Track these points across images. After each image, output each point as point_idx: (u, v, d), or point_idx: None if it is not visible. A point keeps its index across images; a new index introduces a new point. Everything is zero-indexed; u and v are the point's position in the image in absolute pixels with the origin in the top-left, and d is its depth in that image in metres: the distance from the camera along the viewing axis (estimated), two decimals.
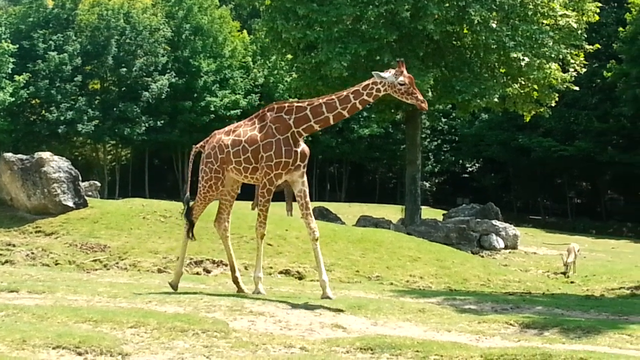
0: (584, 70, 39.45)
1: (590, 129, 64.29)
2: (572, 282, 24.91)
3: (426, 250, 23.60)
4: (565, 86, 37.17)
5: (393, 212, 46.21)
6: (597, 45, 41.10)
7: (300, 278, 18.64)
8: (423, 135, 66.55)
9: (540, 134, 66.99)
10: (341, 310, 12.08)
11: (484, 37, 33.31)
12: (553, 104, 38.53)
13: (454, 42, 36.25)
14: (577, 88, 39.12)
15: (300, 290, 15.52)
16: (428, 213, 46.90)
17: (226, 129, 14.46)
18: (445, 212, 48.12)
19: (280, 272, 19.14)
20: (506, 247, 34.78)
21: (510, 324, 11.67)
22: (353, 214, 44.50)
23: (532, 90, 36.66)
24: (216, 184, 14.07)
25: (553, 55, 35.08)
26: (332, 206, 44.33)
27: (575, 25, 35.70)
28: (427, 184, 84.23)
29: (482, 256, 31.65)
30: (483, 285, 21.07)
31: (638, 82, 58.60)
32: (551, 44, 34.51)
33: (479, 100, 34.63)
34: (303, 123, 13.33)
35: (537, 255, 34.30)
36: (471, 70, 35.43)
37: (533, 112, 39.25)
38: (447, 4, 33.10)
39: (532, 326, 11.53)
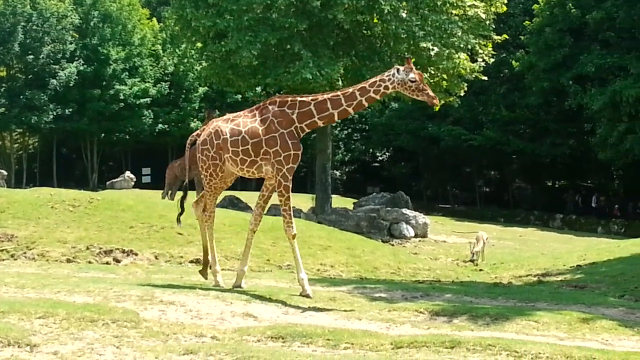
0: (492, 60, 40.02)
1: (498, 119, 65.21)
2: (480, 270, 25.23)
3: (337, 239, 23.64)
4: (474, 76, 37.58)
5: (304, 201, 46.27)
6: (505, 36, 41.66)
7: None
8: (333, 125, 66.67)
9: (449, 123, 67.64)
10: (252, 299, 12.08)
11: (394, 27, 33.48)
12: (462, 94, 38.94)
13: (365, 32, 36.38)
14: (485, 78, 39.63)
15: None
16: (339, 202, 47.06)
17: (224, 117, 14.14)
18: (355, 200, 48.38)
19: (191, 262, 18.93)
20: (416, 236, 35.12)
21: (420, 312, 11.75)
22: None
23: (441, 80, 36.95)
24: (215, 171, 13.69)
25: (462, 45, 35.48)
26: (243, 195, 44.09)
27: (483, 16, 36.14)
28: (338, 173, 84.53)
29: (393, 245, 31.89)
30: (393, 273, 21.20)
31: (545, 73, 59.58)
32: (460, 34, 34.87)
33: None
34: (307, 119, 13.11)
35: (447, 244, 34.68)
36: (381, 59, 35.58)
37: (442, 102, 39.51)
38: None
39: (442, 314, 11.63)
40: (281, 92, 45.95)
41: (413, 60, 35.26)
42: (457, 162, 75.32)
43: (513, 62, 62.29)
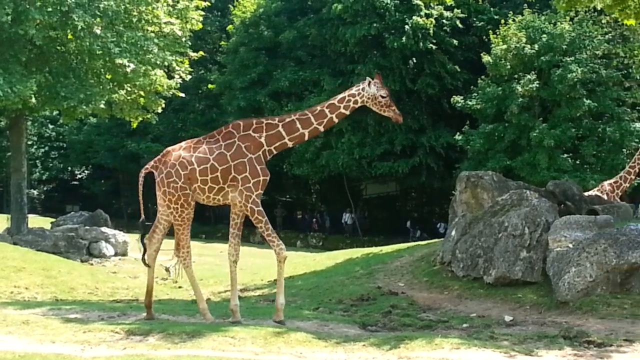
0: (190, 77, 40.22)
1: (198, 135, 65.47)
2: (180, 287, 25.25)
3: (32, 260, 23.12)
4: (171, 92, 37.65)
5: None
6: (202, 53, 42.03)
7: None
8: (29, 142, 65.15)
9: (149, 140, 67.35)
10: None
11: (88, 43, 32.86)
12: (159, 110, 38.91)
13: (59, 48, 35.51)
14: (183, 95, 39.83)
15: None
16: (37, 222, 45.82)
17: (183, 145, 13.75)
18: (54, 220, 47.26)
19: None
20: (116, 254, 34.73)
21: (116, 332, 11.68)
22: None
23: (138, 97, 36.76)
24: (187, 201, 13.45)
25: (158, 62, 35.41)
26: None
27: (179, 33, 36.28)
28: (35, 192, 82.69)
29: (92, 264, 31.41)
30: (91, 293, 20.94)
31: (242, 92, 60.33)
32: (156, 50, 34.77)
33: (85, 107, 34.13)
34: (276, 141, 13.05)
35: None
36: (77, 76, 34.92)
37: (140, 118, 39.34)
38: (50, 9, 32.25)
39: (138, 333, 11.60)
40: None
41: (109, 77, 35.31)
42: (154, 179, 75.14)
43: (209, 84, 63.16)
